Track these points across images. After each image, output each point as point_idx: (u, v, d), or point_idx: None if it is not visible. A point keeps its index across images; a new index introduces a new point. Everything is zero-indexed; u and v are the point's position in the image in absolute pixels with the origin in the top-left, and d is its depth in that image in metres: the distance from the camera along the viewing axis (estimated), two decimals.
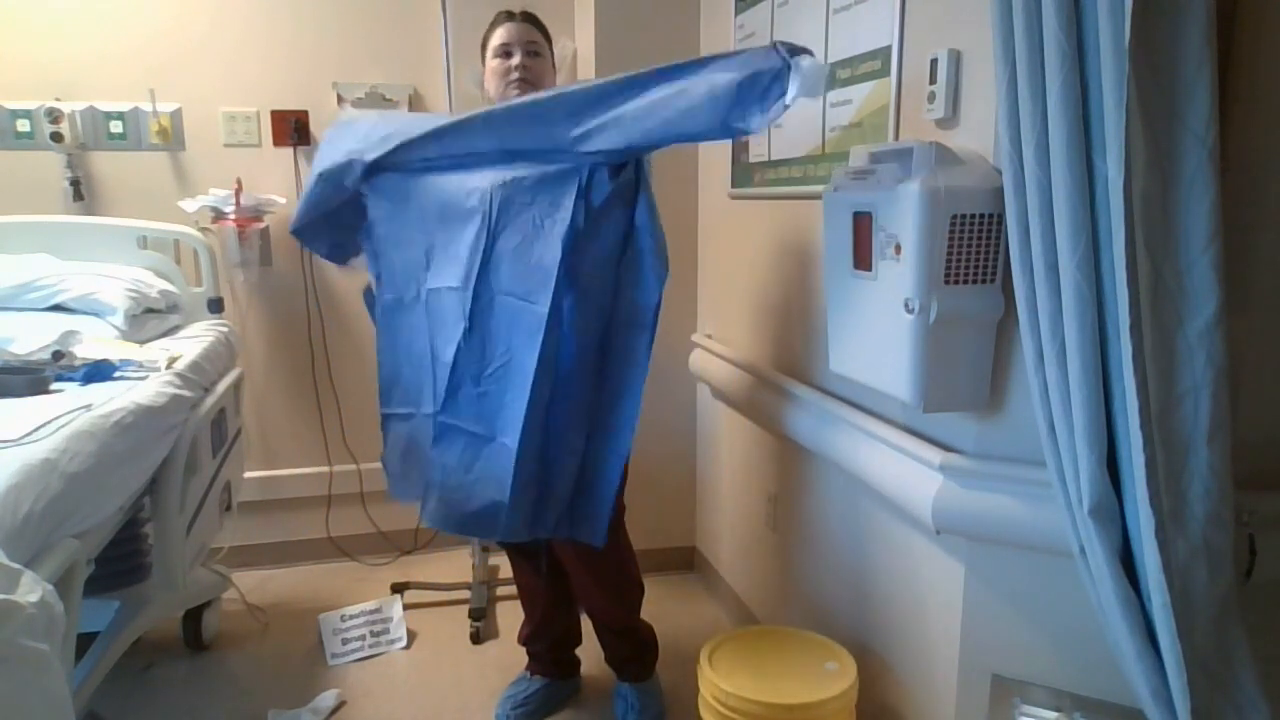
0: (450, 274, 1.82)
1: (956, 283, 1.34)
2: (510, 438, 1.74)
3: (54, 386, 1.79)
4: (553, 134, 1.72)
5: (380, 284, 1.97)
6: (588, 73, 2.70)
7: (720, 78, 1.58)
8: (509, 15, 1.96)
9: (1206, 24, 1.03)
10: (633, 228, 1.78)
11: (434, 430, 1.83)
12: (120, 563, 2.12)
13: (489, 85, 1.99)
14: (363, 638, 2.47)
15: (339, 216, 2.01)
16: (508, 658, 2.36)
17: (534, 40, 1.94)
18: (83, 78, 2.65)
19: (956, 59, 1.45)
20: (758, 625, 2.37)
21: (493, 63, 1.95)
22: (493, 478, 1.77)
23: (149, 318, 2.40)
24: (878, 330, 1.47)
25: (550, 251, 1.72)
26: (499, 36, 1.94)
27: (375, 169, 1.91)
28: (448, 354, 1.82)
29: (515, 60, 1.91)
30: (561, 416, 1.78)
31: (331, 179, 1.94)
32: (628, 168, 1.75)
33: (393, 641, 2.49)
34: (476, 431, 1.80)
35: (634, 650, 2.18)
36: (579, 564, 2.02)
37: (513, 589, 2.69)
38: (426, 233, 1.87)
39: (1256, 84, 1.35)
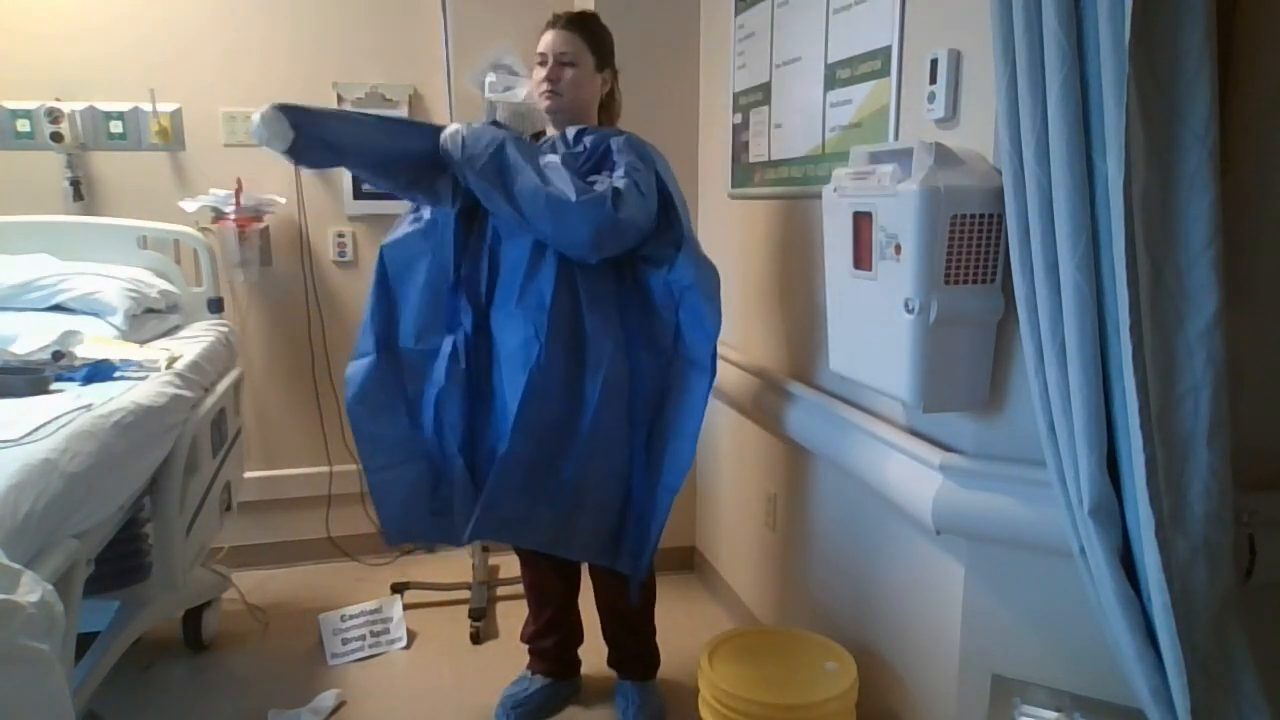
0: (504, 298, 1.87)
1: (956, 283, 1.34)
2: (568, 469, 1.85)
3: (54, 386, 1.79)
4: None
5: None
6: None
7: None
8: (554, 21, 1.94)
9: (1206, 24, 1.03)
10: (696, 273, 1.87)
11: (502, 452, 1.83)
12: (120, 563, 2.12)
13: (533, 90, 2.00)
14: (363, 638, 2.47)
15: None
16: (508, 658, 2.36)
17: (567, 50, 1.90)
18: (83, 78, 2.65)
19: (956, 59, 1.45)
20: (758, 625, 2.37)
21: (534, 70, 1.96)
22: (548, 502, 1.86)
23: (149, 318, 2.40)
24: (878, 330, 1.47)
25: (608, 289, 1.84)
26: (539, 44, 1.93)
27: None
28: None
29: (545, 71, 1.91)
30: (619, 446, 1.88)
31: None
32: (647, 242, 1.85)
33: (393, 641, 2.49)
34: (539, 458, 1.85)
35: (641, 649, 2.18)
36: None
37: (513, 589, 2.70)
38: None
39: (1256, 84, 1.35)
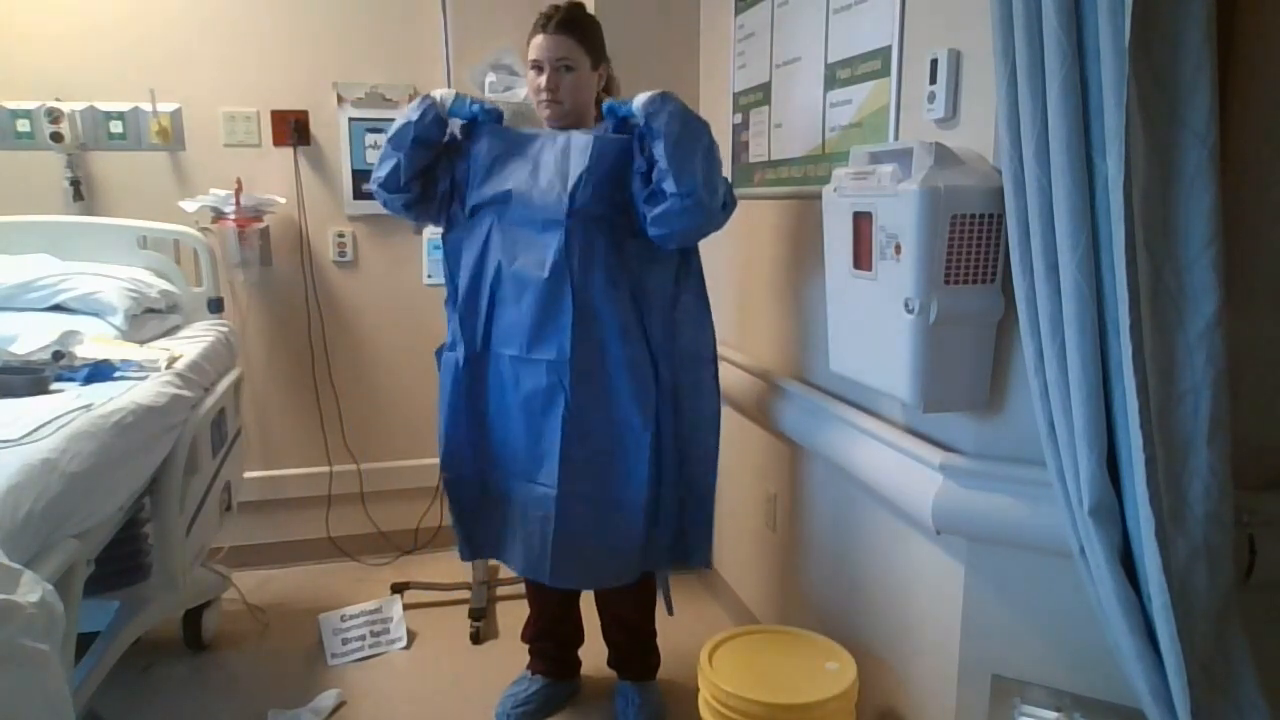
0: (514, 342, 1.88)
1: (956, 283, 1.34)
2: (635, 495, 1.87)
3: (54, 386, 1.79)
4: None
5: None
6: None
7: None
8: (544, 24, 1.86)
9: (1206, 24, 1.03)
10: (686, 273, 1.92)
11: (553, 504, 1.86)
12: (120, 563, 2.12)
13: (530, 96, 1.95)
14: (363, 638, 2.47)
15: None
16: (508, 658, 2.36)
17: (564, 56, 1.85)
18: (83, 78, 2.64)
19: (956, 59, 1.45)
20: (758, 625, 2.37)
21: (529, 74, 1.91)
22: (624, 534, 1.90)
23: (149, 318, 2.39)
24: (878, 330, 1.47)
25: (625, 303, 1.84)
26: (531, 50, 1.87)
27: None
28: (506, 416, 1.91)
29: (543, 80, 1.86)
30: (663, 459, 1.91)
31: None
32: None
33: (393, 641, 2.49)
34: (599, 497, 1.88)
35: (642, 650, 2.18)
36: None
37: (513, 589, 2.70)
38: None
39: (1256, 84, 1.35)
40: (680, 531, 1.98)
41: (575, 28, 1.87)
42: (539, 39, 1.86)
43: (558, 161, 1.84)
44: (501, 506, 1.97)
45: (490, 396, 1.93)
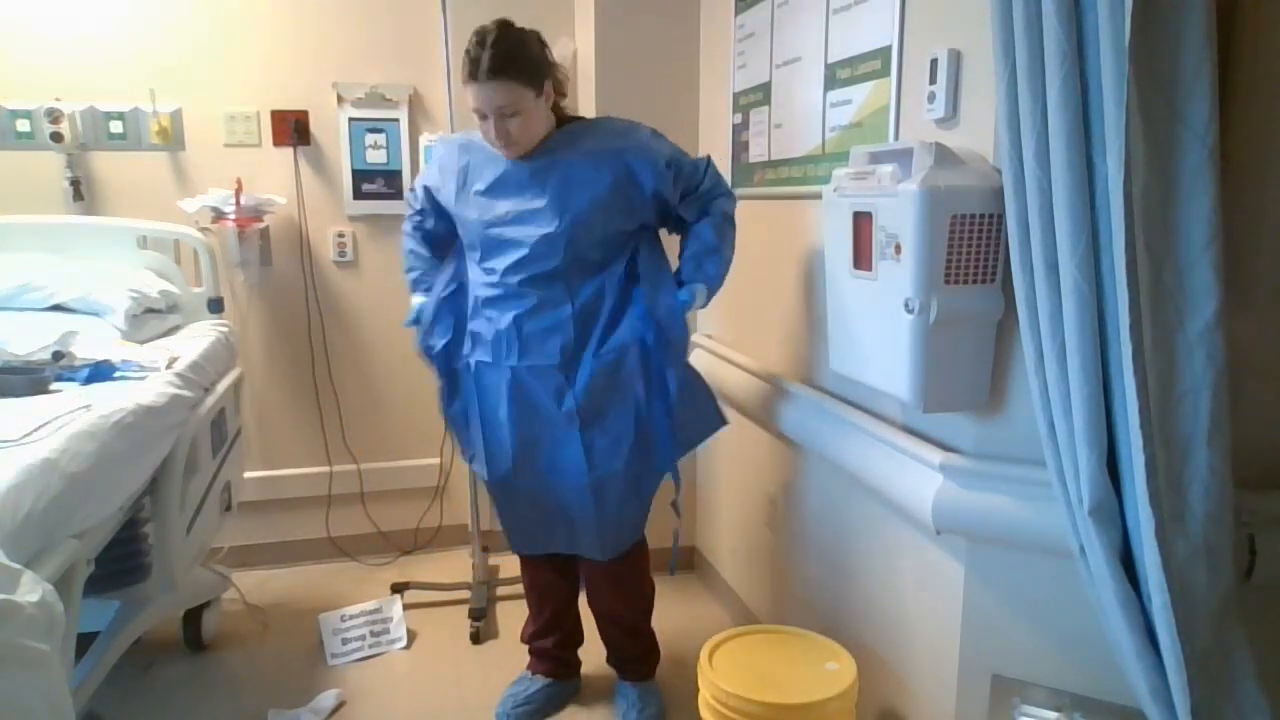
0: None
1: (956, 283, 1.34)
2: (649, 469, 2.01)
3: (54, 386, 1.79)
4: None
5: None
6: (588, 73, 2.70)
7: None
8: (474, 70, 1.72)
9: (1206, 24, 1.03)
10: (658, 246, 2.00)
11: (587, 492, 1.95)
12: (120, 563, 2.12)
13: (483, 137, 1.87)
14: (363, 638, 2.47)
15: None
16: (508, 658, 2.36)
17: (503, 104, 1.73)
18: (83, 78, 2.64)
19: (956, 59, 1.45)
20: (758, 625, 2.37)
21: (477, 119, 1.81)
22: (640, 501, 2.03)
23: (149, 318, 2.39)
24: (878, 330, 1.47)
25: (618, 290, 1.91)
26: (470, 97, 1.76)
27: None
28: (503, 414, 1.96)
29: (492, 130, 1.78)
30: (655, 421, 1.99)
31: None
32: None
33: (393, 641, 2.49)
34: (622, 473, 1.95)
35: (641, 650, 2.18)
36: (600, 564, 2.05)
37: (513, 589, 2.70)
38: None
39: (1256, 84, 1.35)
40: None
41: (506, 68, 1.72)
42: (473, 88, 1.74)
43: (544, 184, 1.86)
44: (535, 505, 2.03)
45: (495, 403, 1.98)
